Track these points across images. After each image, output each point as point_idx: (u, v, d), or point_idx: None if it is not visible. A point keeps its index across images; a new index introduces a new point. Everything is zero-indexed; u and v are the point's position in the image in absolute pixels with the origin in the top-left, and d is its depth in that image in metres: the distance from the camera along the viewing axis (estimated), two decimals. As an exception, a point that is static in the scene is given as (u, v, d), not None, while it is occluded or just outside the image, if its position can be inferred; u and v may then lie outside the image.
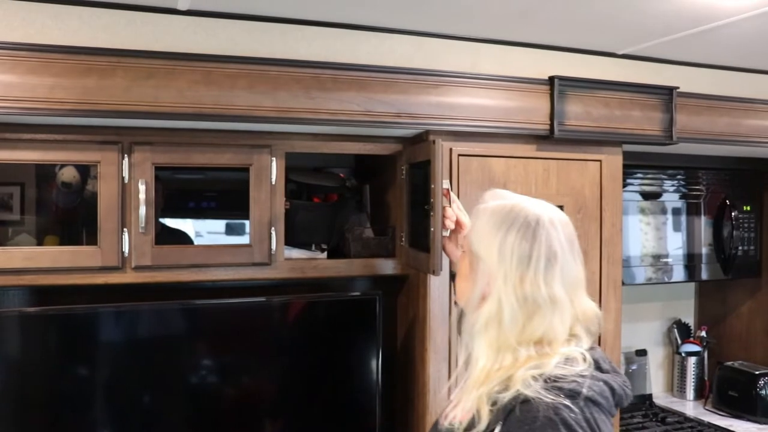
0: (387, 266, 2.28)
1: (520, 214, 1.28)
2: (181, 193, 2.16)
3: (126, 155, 1.98)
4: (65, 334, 2.02)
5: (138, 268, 1.99)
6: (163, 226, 2.10)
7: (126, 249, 1.98)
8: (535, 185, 2.30)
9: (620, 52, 2.44)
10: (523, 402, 1.17)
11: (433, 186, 1.89)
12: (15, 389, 1.98)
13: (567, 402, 1.15)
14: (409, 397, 2.31)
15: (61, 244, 2.00)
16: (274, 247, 2.11)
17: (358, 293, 2.39)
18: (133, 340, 2.09)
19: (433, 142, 1.92)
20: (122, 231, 1.98)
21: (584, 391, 1.18)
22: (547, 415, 1.13)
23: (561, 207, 2.26)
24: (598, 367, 1.26)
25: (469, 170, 2.21)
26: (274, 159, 2.11)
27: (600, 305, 2.37)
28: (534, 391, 1.16)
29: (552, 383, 1.18)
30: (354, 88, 2.04)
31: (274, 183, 2.12)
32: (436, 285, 2.15)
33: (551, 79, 2.26)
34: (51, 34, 1.84)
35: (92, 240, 1.98)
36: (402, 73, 2.10)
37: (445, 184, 1.90)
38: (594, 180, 2.40)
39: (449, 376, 2.12)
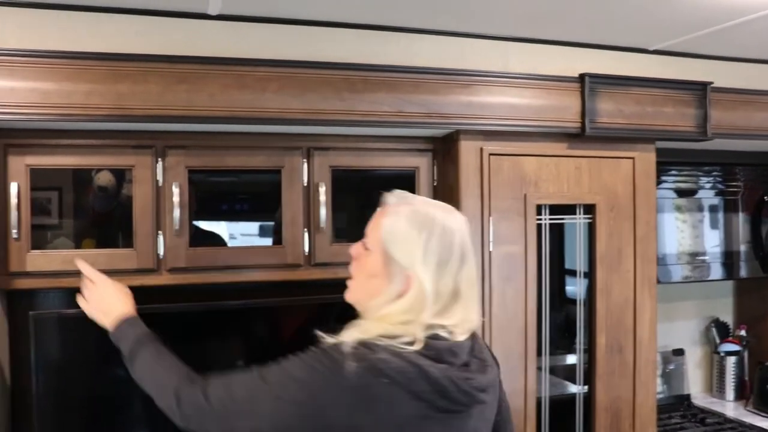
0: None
1: (437, 220, 1.37)
2: (214, 195, 2.18)
3: (160, 159, 2.02)
4: (103, 335, 2.05)
5: (173, 270, 2.03)
6: (197, 228, 2.12)
7: (161, 251, 2.02)
8: (567, 184, 2.29)
9: (652, 48, 2.42)
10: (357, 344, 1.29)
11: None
12: (55, 389, 2.02)
13: (358, 354, 1.26)
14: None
15: (98, 247, 2.04)
16: (306, 248, 2.13)
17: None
18: (169, 340, 2.11)
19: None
20: (157, 234, 2.02)
21: (376, 357, 1.26)
22: (337, 354, 1.27)
23: (593, 206, 2.31)
24: (436, 356, 1.30)
25: (500, 169, 2.21)
26: (305, 161, 2.13)
27: (634, 304, 2.37)
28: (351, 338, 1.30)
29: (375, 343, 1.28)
30: (384, 88, 2.05)
31: (306, 184, 2.13)
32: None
33: (582, 76, 2.25)
34: (86, 42, 1.89)
35: (128, 243, 2.02)
36: (432, 73, 2.10)
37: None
38: (627, 178, 2.37)
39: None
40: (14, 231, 1.91)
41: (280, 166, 2.11)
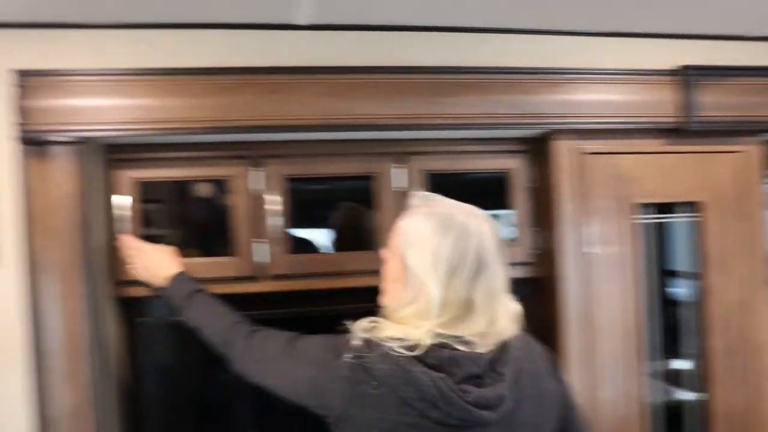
0: (517, 269, 2.25)
1: (453, 223, 1.33)
2: (310, 203, 2.22)
3: (257, 168, 2.07)
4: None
5: (274, 277, 2.08)
6: (294, 235, 2.16)
7: (261, 259, 2.07)
8: (667, 181, 2.21)
9: (754, 35, 2.29)
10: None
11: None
12: (163, 394, 2.10)
13: (359, 352, 1.30)
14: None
15: (200, 256, 2.11)
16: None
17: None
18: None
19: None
20: (256, 242, 2.07)
21: (369, 357, 1.29)
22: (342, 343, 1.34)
23: (697, 203, 2.21)
24: (435, 365, 1.28)
25: (596, 168, 2.15)
26: (397, 166, 2.14)
27: (748, 305, 2.24)
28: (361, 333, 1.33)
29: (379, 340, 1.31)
30: (475, 91, 2.03)
31: (398, 189, 2.14)
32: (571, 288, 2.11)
33: (683, 68, 2.16)
34: (184, 58, 1.95)
35: (228, 251, 2.08)
36: (523, 73, 2.07)
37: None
38: (732, 173, 2.26)
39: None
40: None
41: (372, 172, 2.13)
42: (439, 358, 1.28)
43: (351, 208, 2.23)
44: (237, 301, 2.09)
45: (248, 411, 2.15)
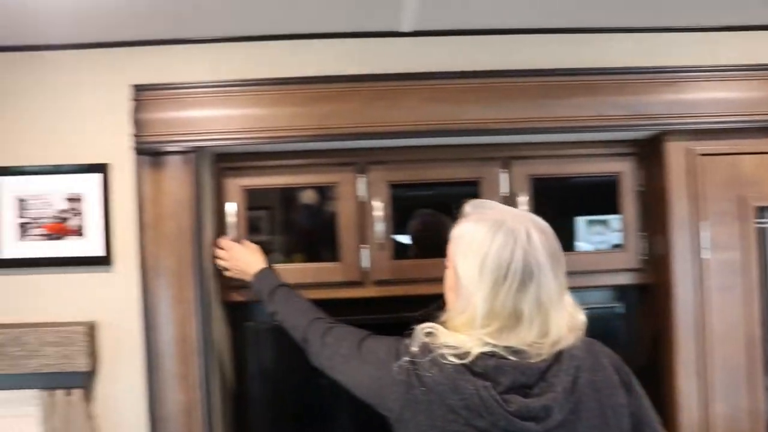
0: (624, 276, 2.18)
1: (501, 228, 1.30)
2: (413, 209, 2.21)
3: (362, 175, 2.09)
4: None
5: (378, 283, 2.09)
6: (396, 241, 2.16)
7: (366, 264, 2.08)
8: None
9: None
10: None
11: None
12: (268, 396, 2.15)
13: (414, 357, 1.32)
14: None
15: (306, 261, 2.14)
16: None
17: (597, 304, 2.28)
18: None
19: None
20: (361, 247, 2.09)
21: (421, 363, 1.30)
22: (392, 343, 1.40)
23: None
24: (482, 373, 1.27)
25: (712, 170, 2.05)
26: (503, 171, 2.11)
27: None
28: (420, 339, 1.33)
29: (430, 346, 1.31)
30: (583, 92, 1.98)
31: (505, 194, 2.11)
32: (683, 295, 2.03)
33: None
34: (290, 68, 2.00)
35: (334, 257, 2.10)
36: (633, 72, 2.00)
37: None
38: None
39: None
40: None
41: (478, 177, 2.11)
42: (486, 366, 1.27)
43: (430, 215, 2.21)
44: (339, 306, 2.13)
45: (348, 415, 2.17)
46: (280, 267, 2.03)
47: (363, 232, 2.10)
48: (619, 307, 2.20)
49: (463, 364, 1.27)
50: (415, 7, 1.82)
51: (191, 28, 1.94)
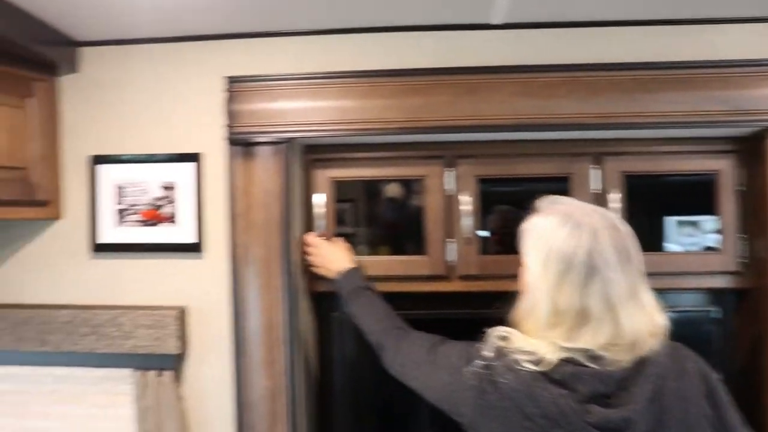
0: (722, 279, 2.10)
1: (569, 220, 1.28)
2: (500, 204, 2.18)
3: (450, 169, 2.07)
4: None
5: (464, 277, 2.08)
6: (483, 236, 2.14)
7: (452, 258, 2.07)
8: None
9: None
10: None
11: None
12: (352, 386, 2.18)
13: (487, 361, 1.30)
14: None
15: (391, 254, 2.15)
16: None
17: (691, 308, 2.20)
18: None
19: None
20: (448, 241, 2.07)
21: (496, 368, 1.28)
22: (473, 350, 1.35)
23: None
24: (560, 381, 1.23)
25: (821, 169, 1.94)
26: (594, 167, 2.06)
27: None
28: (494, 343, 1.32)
29: (505, 351, 1.30)
30: (679, 86, 1.90)
31: (596, 191, 2.06)
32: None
33: None
34: (379, 60, 2.00)
35: (420, 250, 2.10)
36: (734, 66, 1.90)
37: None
38: None
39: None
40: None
41: (568, 173, 2.06)
42: (563, 374, 1.24)
43: (508, 211, 2.18)
44: (422, 300, 2.13)
45: (429, 411, 2.16)
46: (365, 259, 2.05)
47: (449, 226, 2.09)
48: (715, 311, 2.11)
49: (540, 372, 1.25)
50: (506, 1, 1.80)
51: (279, 21, 1.97)
